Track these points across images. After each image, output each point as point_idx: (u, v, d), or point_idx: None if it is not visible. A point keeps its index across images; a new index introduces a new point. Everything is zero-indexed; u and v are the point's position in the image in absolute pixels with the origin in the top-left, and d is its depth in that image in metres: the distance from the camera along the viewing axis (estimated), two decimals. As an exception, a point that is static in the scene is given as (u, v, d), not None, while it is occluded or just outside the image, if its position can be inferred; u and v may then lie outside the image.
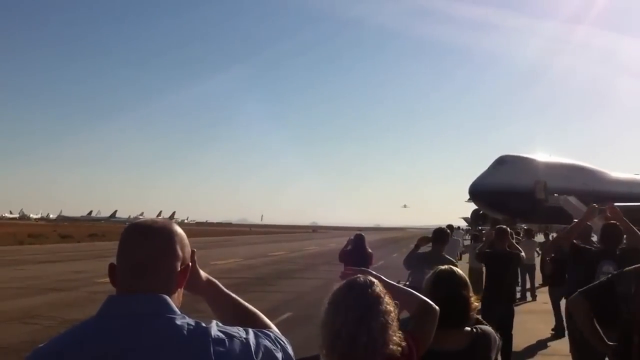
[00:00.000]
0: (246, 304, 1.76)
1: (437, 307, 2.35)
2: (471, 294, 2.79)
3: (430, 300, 2.43)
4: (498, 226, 8.51)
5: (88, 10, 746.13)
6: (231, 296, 1.75)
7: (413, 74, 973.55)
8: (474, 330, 2.76)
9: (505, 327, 7.45)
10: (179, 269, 1.53)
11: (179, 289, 1.55)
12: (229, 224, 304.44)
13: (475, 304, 2.78)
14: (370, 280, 2.08)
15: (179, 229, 1.57)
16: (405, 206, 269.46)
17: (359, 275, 2.12)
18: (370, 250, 10.75)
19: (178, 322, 1.43)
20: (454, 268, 2.95)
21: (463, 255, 19.46)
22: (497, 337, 2.83)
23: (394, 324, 1.98)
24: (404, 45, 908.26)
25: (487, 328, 2.83)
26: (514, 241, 8.33)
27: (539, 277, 16.50)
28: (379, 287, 2.05)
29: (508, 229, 8.18)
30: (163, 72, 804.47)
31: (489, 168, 50.33)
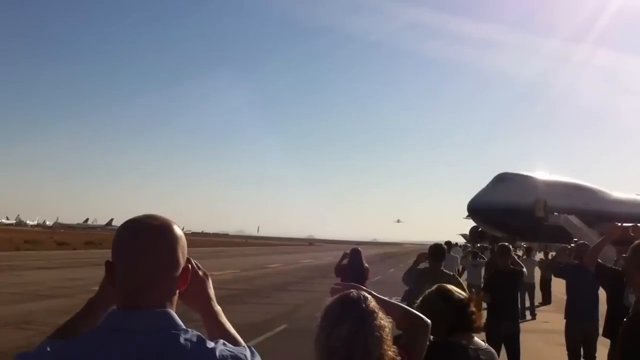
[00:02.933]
0: (234, 334, 1.64)
1: (429, 321, 2.35)
2: (472, 305, 2.83)
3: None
4: (500, 243, 8.44)
5: (86, 13, 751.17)
6: (223, 327, 1.64)
7: (411, 89, 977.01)
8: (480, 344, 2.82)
9: (512, 345, 7.46)
10: (179, 274, 1.50)
11: (177, 293, 1.52)
12: (226, 235, 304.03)
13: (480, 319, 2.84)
14: (364, 295, 2.07)
15: (179, 231, 1.53)
16: (398, 221, 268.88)
17: (352, 290, 2.11)
18: (366, 265, 10.68)
19: (182, 338, 1.39)
20: (448, 287, 2.96)
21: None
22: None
23: (389, 339, 1.99)
24: (402, 60, 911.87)
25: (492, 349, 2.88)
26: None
27: (538, 296, 16.42)
28: (372, 302, 2.05)
29: (510, 246, 8.12)
30: (161, 81, 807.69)
31: (487, 185, 50.46)
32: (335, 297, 2.09)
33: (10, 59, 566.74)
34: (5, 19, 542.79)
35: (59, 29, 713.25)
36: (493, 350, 2.85)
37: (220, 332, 1.57)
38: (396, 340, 2.17)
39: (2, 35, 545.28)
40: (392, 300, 2.49)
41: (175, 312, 1.46)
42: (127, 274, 1.45)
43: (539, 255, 25.52)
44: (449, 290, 2.88)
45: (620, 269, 6.76)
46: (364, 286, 2.28)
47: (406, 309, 2.40)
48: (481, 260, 16.23)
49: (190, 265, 1.56)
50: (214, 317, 1.63)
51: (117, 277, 1.47)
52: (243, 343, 1.56)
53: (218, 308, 1.65)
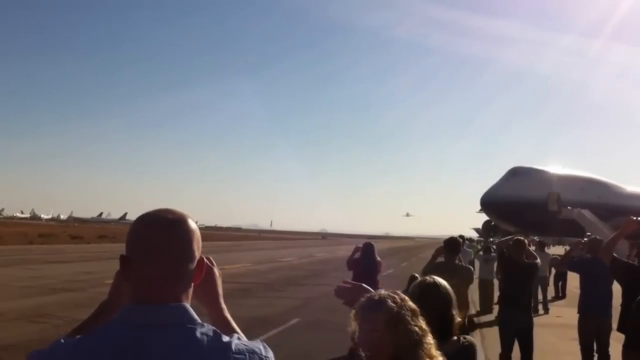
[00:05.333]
0: (238, 331, 1.62)
1: None
2: (455, 311, 2.81)
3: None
4: (516, 237, 8.38)
5: (96, 13, 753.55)
6: (229, 325, 1.64)
7: (426, 84, 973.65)
8: (460, 339, 2.81)
9: (526, 339, 7.49)
10: (194, 268, 1.49)
11: (192, 286, 1.51)
12: (239, 229, 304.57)
13: (458, 319, 2.81)
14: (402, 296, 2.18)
15: (194, 225, 1.52)
16: (408, 215, 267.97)
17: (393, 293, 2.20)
18: (379, 259, 10.65)
19: (198, 332, 1.39)
20: (440, 283, 2.93)
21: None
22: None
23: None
24: (418, 56, 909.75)
25: (472, 339, 2.91)
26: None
27: (551, 290, 16.32)
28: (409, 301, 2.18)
29: (526, 240, 8.07)
30: (172, 76, 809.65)
31: (501, 179, 50.16)
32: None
33: (20, 56, 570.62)
34: (19, 17, 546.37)
35: (69, 27, 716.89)
36: (474, 341, 2.89)
37: (226, 329, 1.56)
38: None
39: (19, 32, 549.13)
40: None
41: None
42: (143, 268, 1.44)
43: (553, 250, 25.38)
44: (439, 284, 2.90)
45: (635, 262, 6.70)
46: (376, 280, 2.30)
47: None
48: (493, 254, 16.10)
49: (205, 260, 1.55)
50: (220, 313, 1.62)
51: (132, 271, 1.46)
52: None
53: (224, 305, 1.65)
